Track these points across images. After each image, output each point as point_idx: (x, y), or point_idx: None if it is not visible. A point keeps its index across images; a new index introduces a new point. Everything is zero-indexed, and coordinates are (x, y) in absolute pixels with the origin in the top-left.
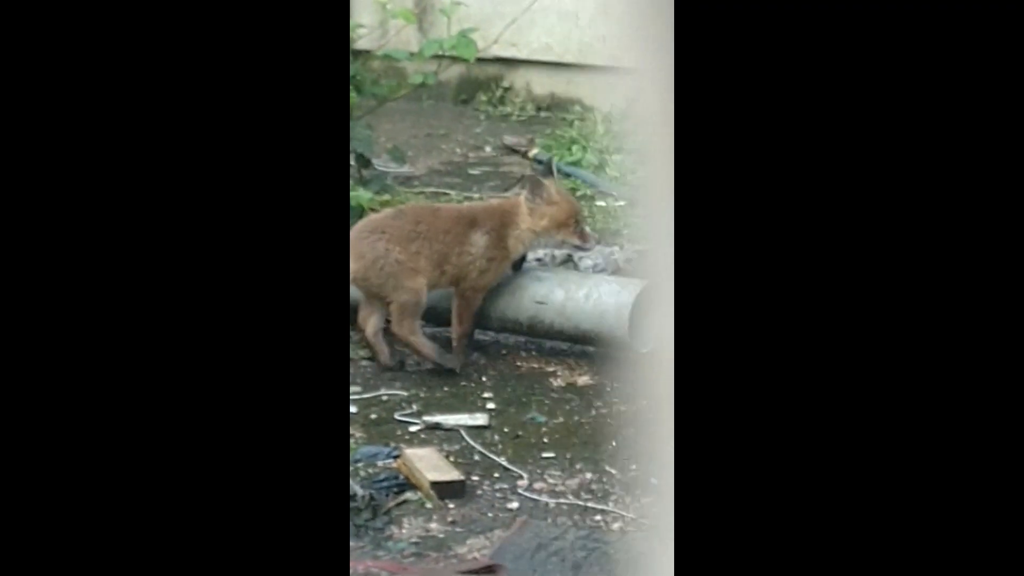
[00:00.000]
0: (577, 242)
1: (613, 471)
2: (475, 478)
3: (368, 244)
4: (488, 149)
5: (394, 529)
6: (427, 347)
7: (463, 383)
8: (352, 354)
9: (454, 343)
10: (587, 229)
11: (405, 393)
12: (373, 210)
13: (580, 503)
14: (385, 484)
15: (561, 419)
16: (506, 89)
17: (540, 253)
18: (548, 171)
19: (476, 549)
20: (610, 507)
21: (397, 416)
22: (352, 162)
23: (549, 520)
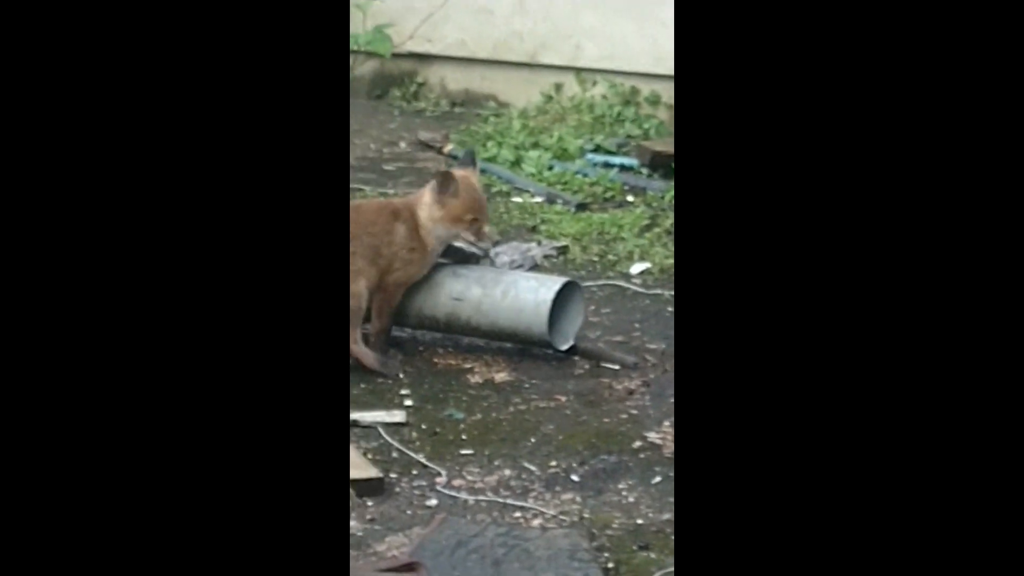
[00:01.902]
0: (471, 239)
1: (532, 467)
2: (393, 475)
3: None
4: (403, 145)
5: None
6: (369, 357)
7: (380, 380)
8: None
9: (371, 339)
10: (486, 228)
11: None
12: None
13: (499, 500)
14: None
15: (479, 416)
16: (421, 85)
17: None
18: (471, 163)
19: (395, 547)
20: (529, 503)
21: None
22: None
23: (468, 517)
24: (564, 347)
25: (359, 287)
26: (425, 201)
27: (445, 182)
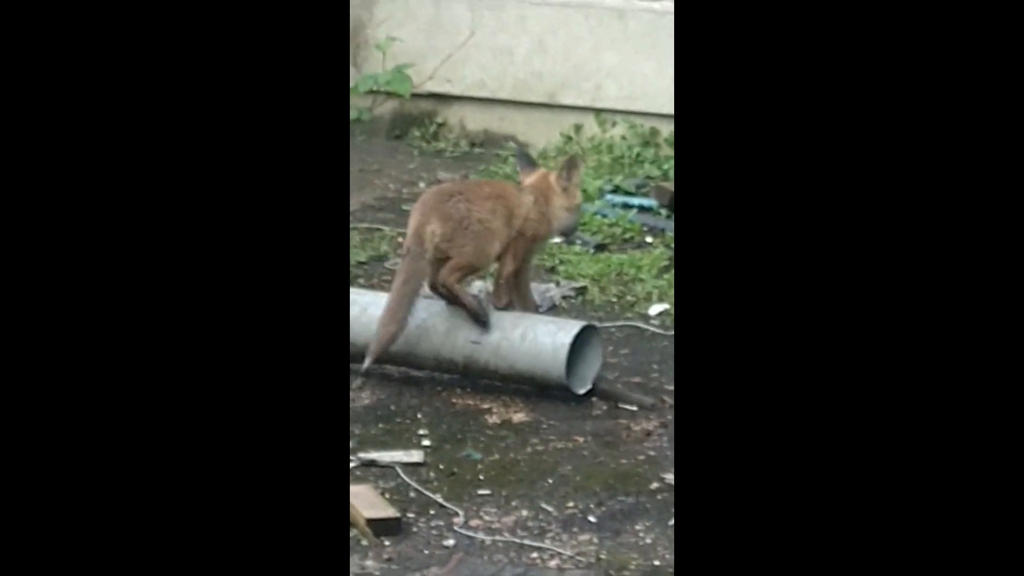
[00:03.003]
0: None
1: (550, 508)
2: (411, 515)
3: (451, 206)
4: (422, 185)
5: None
6: (469, 298)
7: (398, 420)
8: None
9: (499, 282)
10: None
11: None
12: None
13: (516, 540)
14: None
15: (497, 456)
16: (440, 125)
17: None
18: (528, 161)
19: None
20: (547, 544)
21: None
22: None
23: (485, 557)
24: (582, 391)
25: (493, 250)
26: (556, 189)
27: (571, 167)
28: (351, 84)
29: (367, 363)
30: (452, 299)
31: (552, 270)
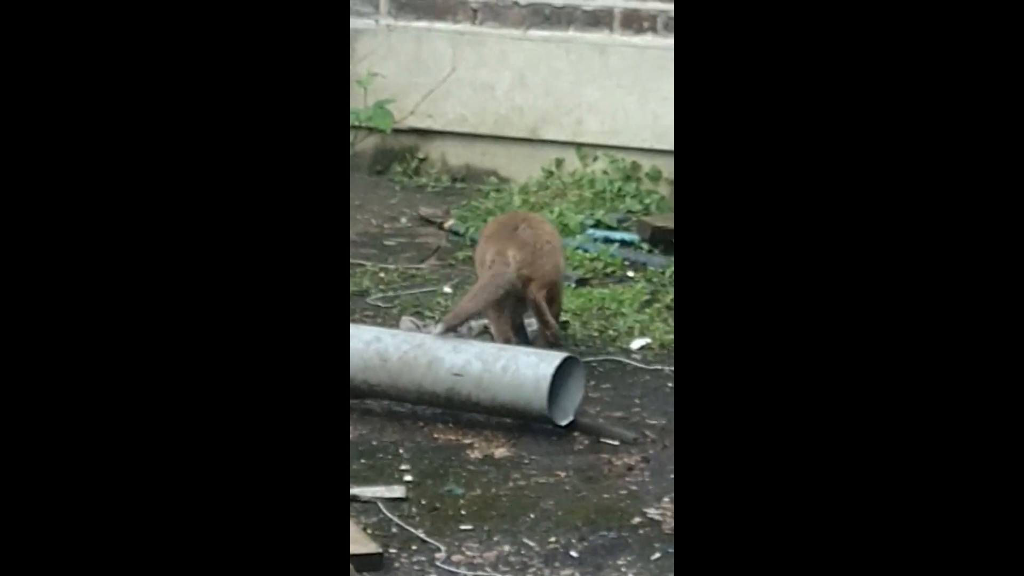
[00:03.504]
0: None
1: (531, 543)
2: (393, 550)
3: (522, 233)
4: (404, 220)
5: None
6: (552, 319)
7: (380, 455)
8: None
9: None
10: None
11: None
12: None
13: (498, 575)
14: None
15: (479, 491)
16: (422, 160)
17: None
18: None
19: None
20: None
21: None
22: None
23: None
24: (564, 422)
25: (563, 262)
26: None
27: None
28: None
29: (437, 330)
30: (540, 317)
31: None
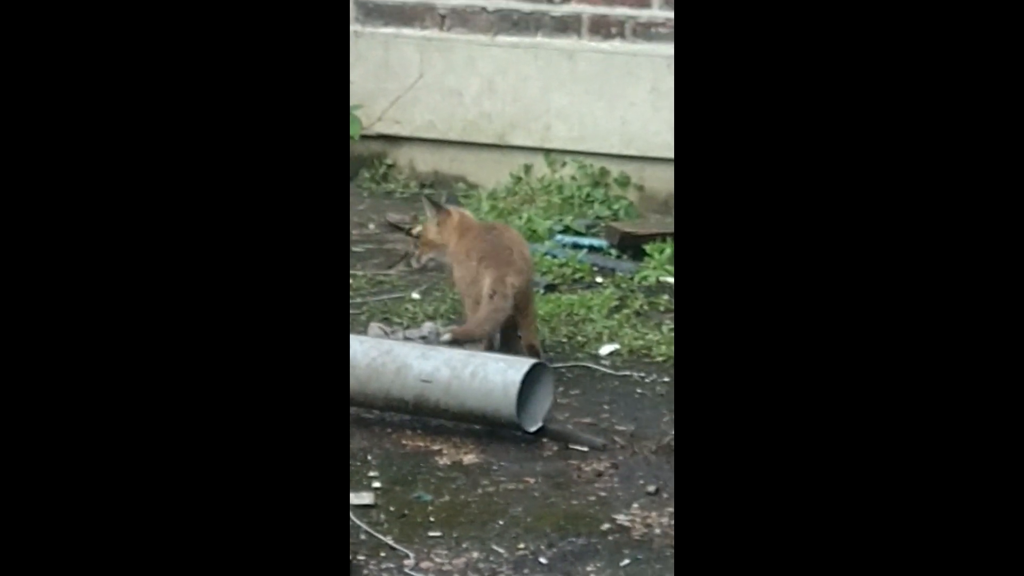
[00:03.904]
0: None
1: (501, 550)
2: (361, 557)
3: (517, 258)
4: (372, 226)
5: None
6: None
7: (349, 462)
8: None
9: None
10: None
11: None
12: None
13: None
14: None
15: (447, 498)
16: (390, 166)
17: (425, 331)
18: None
19: None
20: None
21: None
22: None
23: None
24: (533, 428)
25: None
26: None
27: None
28: None
29: (445, 338)
30: (531, 345)
31: None
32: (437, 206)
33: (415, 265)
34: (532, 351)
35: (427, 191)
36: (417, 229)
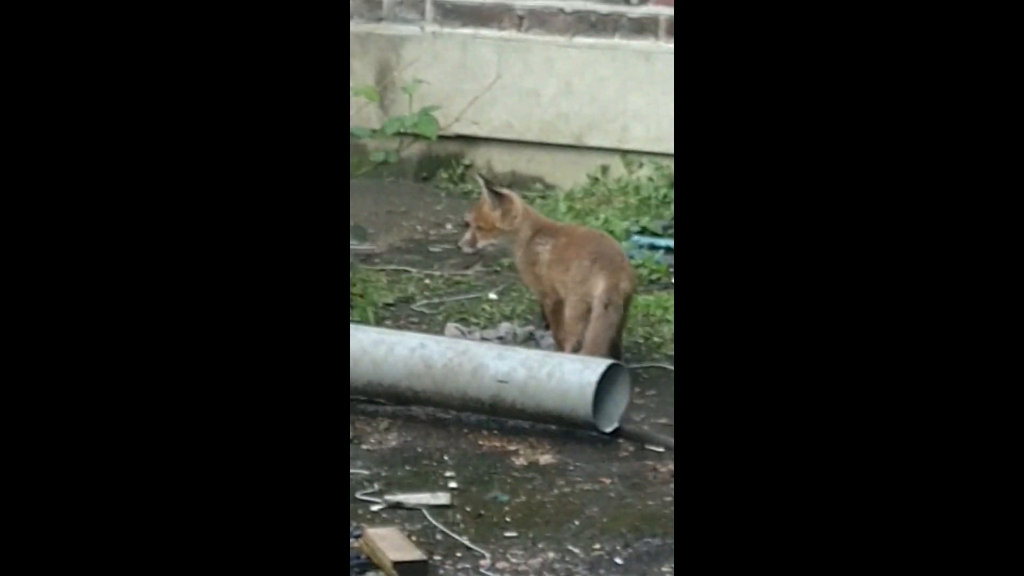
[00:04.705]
0: None
1: (576, 550)
2: (437, 558)
3: (625, 262)
4: (449, 226)
5: None
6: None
7: (425, 462)
8: None
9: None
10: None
11: (367, 472)
12: None
13: None
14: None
15: (523, 498)
16: (467, 166)
17: (502, 331)
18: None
19: None
20: None
21: (359, 495)
22: None
23: None
24: (609, 429)
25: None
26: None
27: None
28: (379, 126)
29: (567, 348)
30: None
31: None
32: (497, 192)
33: (468, 250)
34: (614, 351)
35: (480, 174)
36: (469, 214)
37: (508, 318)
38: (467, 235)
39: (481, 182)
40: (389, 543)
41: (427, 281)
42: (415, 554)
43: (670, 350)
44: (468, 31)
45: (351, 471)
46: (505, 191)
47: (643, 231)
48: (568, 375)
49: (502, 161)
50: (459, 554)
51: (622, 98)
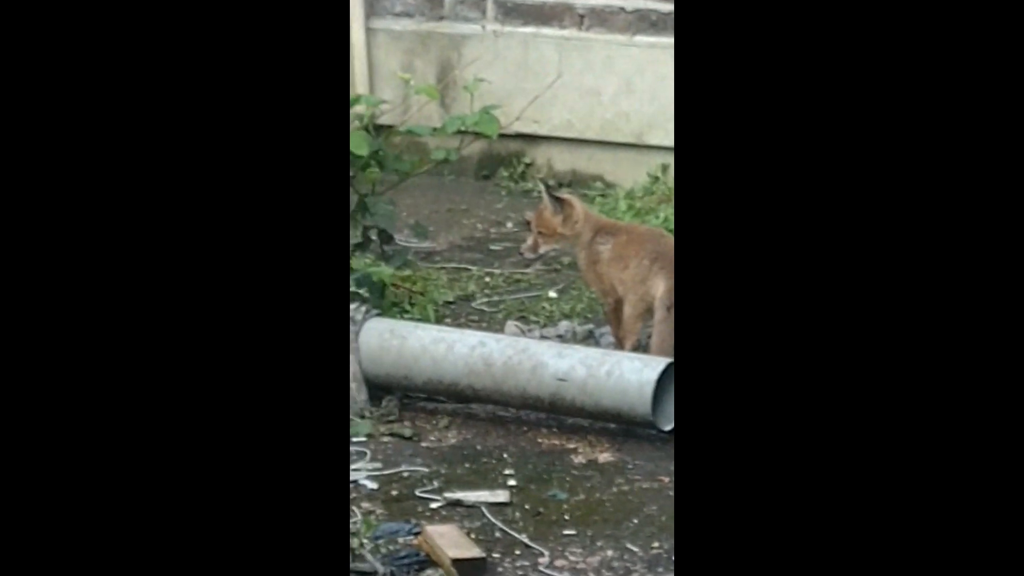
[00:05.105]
0: None
1: (635, 548)
2: (496, 555)
3: None
4: (509, 225)
5: None
6: None
7: (484, 460)
8: (372, 429)
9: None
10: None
11: (426, 469)
12: (395, 286)
13: None
14: (406, 561)
15: (582, 496)
16: (528, 165)
17: (562, 329)
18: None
19: None
20: None
21: (418, 492)
22: (374, 237)
23: None
24: (668, 427)
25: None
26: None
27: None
28: (440, 125)
29: (627, 347)
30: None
31: None
32: (557, 198)
33: (530, 256)
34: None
35: (541, 179)
36: (532, 217)
37: (568, 316)
38: (529, 241)
39: (542, 188)
40: (448, 540)
41: (487, 279)
42: (474, 551)
43: None
44: (529, 30)
45: (410, 468)
46: (565, 196)
47: None
48: (627, 373)
49: (562, 160)
50: (518, 552)
51: None
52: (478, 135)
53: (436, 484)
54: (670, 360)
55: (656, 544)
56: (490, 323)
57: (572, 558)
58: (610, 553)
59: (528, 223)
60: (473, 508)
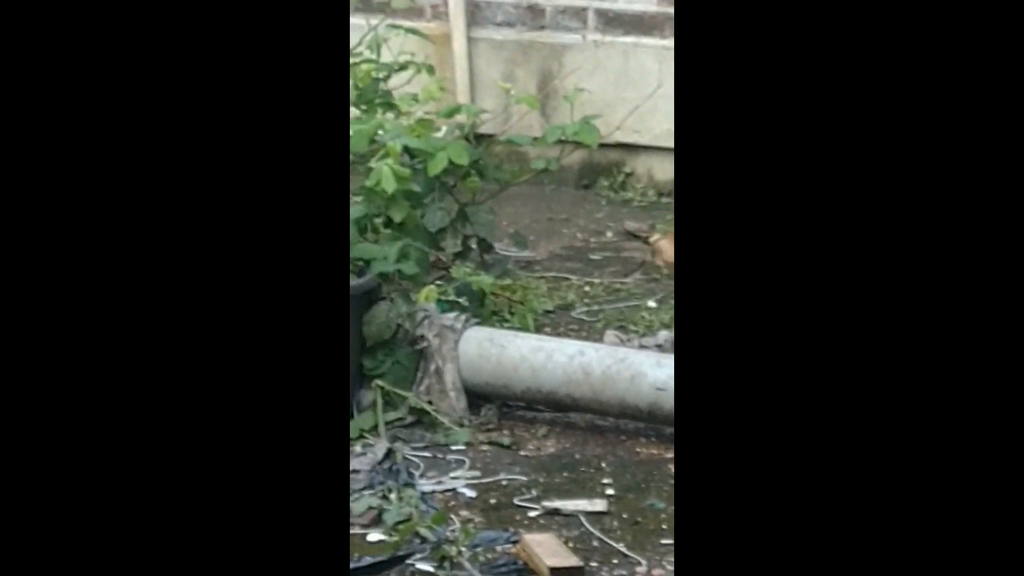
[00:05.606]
0: None
1: None
2: (594, 564)
3: None
4: (609, 234)
5: None
6: None
7: (582, 469)
8: (471, 438)
9: None
10: None
11: (524, 478)
12: (495, 295)
13: None
14: (504, 570)
15: None
16: (628, 175)
17: (661, 339)
18: None
19: None
20: None
21: (516, 501)
22: (474, 247)
23: None
24: None
25: None
26: None
27: None
28: (540, 134)
29: None
30: None
31: None
32: None
33: None
34: None
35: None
36: (656, 239)
37: (667, 326)
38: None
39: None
40: (546, 549)
41: (587, 288)
42: (572, 560)
43: None
44: (630, 40)
45: (509, 477)
46: None
47: None
48: None
49: (663, 169)
50: (615, 561)
51: None
52: (578, 145)
53: (534, 493)
54: None
55: None
56: (589, 332)
57: (669, 567)
58: None
59: (629, 233)
60: (571, 517)
